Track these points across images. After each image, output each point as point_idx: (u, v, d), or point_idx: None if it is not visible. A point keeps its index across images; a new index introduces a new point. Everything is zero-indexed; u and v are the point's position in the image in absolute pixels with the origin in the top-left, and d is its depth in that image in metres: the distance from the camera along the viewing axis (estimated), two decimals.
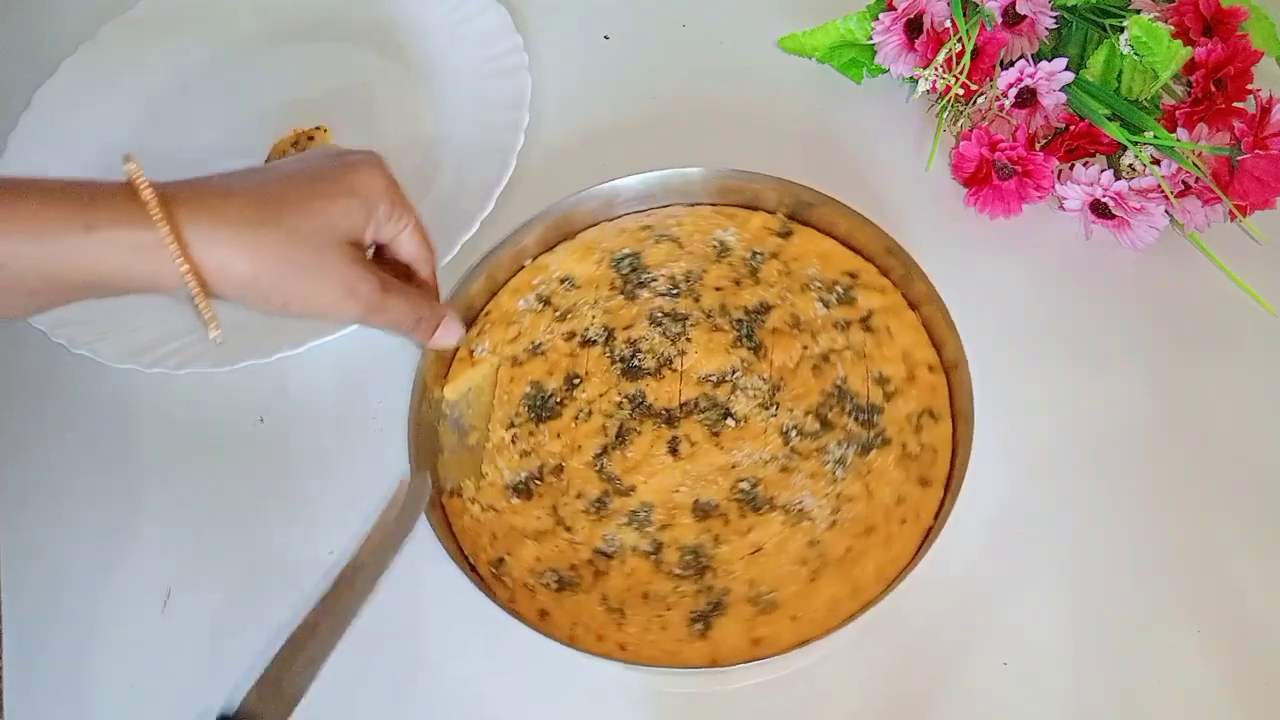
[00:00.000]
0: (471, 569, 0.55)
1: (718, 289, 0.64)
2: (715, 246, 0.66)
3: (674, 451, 0.59)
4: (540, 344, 0.63)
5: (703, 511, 0.57)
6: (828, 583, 0.54)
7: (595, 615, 0.54)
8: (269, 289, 0.48)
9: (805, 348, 0.62)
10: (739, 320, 0.63)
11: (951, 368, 0.60)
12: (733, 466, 0.58)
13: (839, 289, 0.64)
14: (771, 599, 0.54)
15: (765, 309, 0.63)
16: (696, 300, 0.64)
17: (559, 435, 0.60)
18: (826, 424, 0.59)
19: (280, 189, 0.49)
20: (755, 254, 0.65)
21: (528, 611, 0.55)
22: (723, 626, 0.54)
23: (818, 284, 0.64)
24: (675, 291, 0.64)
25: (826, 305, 0.63)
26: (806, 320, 0.63)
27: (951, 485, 0.56)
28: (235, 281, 0.47)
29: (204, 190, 0.47)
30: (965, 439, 0.57)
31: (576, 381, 0.61)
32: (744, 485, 0.58)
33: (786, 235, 0.66)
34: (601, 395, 0.61)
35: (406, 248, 0.55)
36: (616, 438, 0.59)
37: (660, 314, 0.63)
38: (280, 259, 0.47)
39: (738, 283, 0.65)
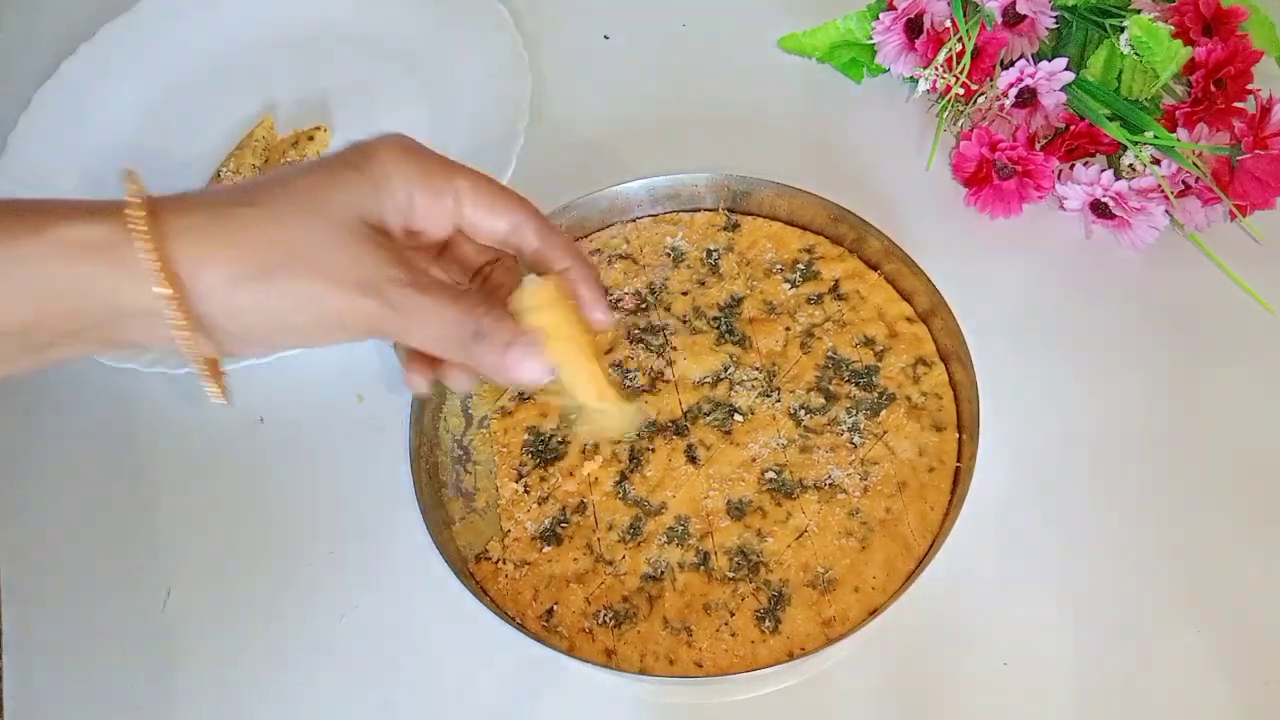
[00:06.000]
0: (521, 628, 0.54)
1: (684, 293, 0.65)
2: (669, 254, 0.66)
3: (692, 460, 0.59)
4: (524, 389, 0.62)
5: (738, 510, 0.57)
6: (879, 547, 0.55)
7: (661, 640, 0.54)
8: (257, 290, 0.37)
9: (787, 329, 0.63)
10: (715, 318, 0.63)
11: (928, 315, 0.62)
12: (753, 460, 0.58)
13: (800, 266, 0.65)
14: (830, 577, 0.55)
15: (737, 301, 0.64)
16: (668, 309, 0.64)
17: (571, 474, 0.59)
18: (830, 396, 0.60)
19: (268, 176, 0.40)
20: (710, 252, 0.66)
21: (592, 655, 0.54)
22: (792, 617, 0.54)
23: (779, 266, 0.65)
24: (644, 306, 0.64)
25: (793, 284, 0.64)
26: (780, 303, 0.64)
27: (965, 424, 0.58)
28: (215, 281, 0.37)
29: (185, 194, 0.39)
30: (964, 381, 0.58)
31: (573, 417, 0.61)
32: (770, 475, 0.58)
33: (734, 228, 0.67)
34: None
35: (484, 222, 0.42)
36: (631, 461, 0.59)
37: (637, 330, 0.63)
38: (264, 241, 0.37)
39: (702, 283, 0.65)
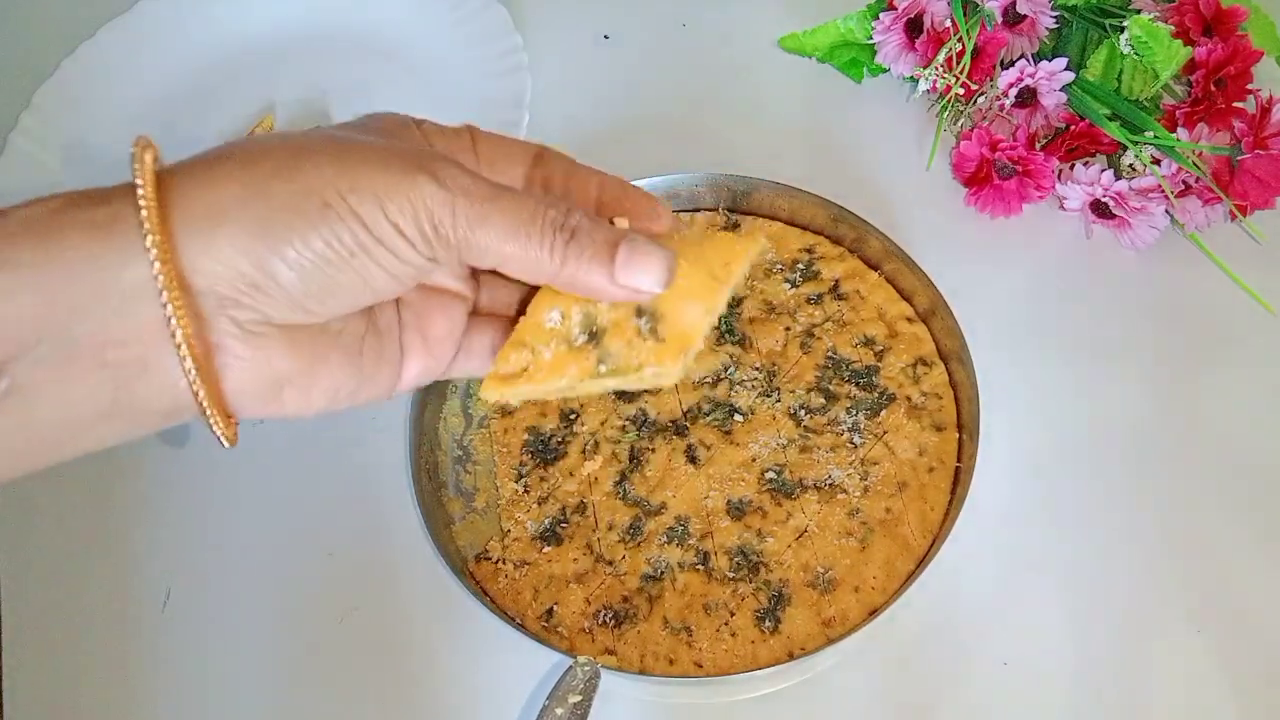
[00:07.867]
0: (521, 629, 0.54)
1: None
2: None
3: (692, 460, 0.59)
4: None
5: (738, 511, 0.57)
6: (878, 547, 0.55)
7: (661, 640, 0.54)
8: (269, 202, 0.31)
9: (787, 328, 0.63)
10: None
11: (928, 315, 0.62)
12: (753, 460, 0.58)
13: (800, 266, 0.65)
14: (830, 577, 0.55)
15: (737, 301, 0.64)
16: None
17: (571, 474, 0.59)
18: (830, 396, 0.60)
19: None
20: None
21: (592, 655, 0.54)
22: (791, 617, 0.54)
23: (779, 266, 0.65)
24: None
25: (793, 284, 0.65)
26: (780, 303, 0.64)
27: (965, 424, 0.58)
28: (220, 242, 0.31)
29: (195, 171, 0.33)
30: (964, 381, 0.58)
31: (574, 417, 0.61)
32: (770, 475, 0.58)
33: (734, 228, 0.67)
34: (602, 423, 0.60)
35: (501, 162, 0.36)
36: (631, 461, 0.59)
37: None
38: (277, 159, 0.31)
39: None
